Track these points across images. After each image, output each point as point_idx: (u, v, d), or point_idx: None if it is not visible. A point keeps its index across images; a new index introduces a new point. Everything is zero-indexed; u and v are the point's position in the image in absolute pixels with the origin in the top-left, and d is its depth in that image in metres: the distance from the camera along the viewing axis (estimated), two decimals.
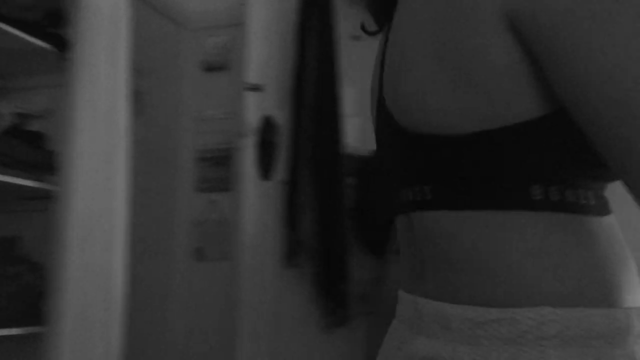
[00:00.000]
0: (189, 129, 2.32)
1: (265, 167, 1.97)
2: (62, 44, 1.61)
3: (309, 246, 1.92)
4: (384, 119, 0.55)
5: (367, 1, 0.64)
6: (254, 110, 1.98)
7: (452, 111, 0.47)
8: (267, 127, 1.97)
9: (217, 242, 2.22)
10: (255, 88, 1.97)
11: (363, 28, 0.67)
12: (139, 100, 1.93)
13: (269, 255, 1.94)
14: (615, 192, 0.54)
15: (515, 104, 0.46)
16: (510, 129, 0.46)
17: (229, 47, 2.31)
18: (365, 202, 1.93)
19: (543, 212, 0.47)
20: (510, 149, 0.46)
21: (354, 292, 1.91)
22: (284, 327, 1.94)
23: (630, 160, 0.41)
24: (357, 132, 2.08)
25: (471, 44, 0.46)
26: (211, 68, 2.33)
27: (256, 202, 1.96)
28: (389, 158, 0.58)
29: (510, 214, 0.47)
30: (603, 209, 0.50)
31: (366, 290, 1.93)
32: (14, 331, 1.50)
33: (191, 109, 2.33)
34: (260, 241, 1.94)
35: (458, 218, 0.49)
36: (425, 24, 0.50)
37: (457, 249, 0.49)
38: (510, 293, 0.47)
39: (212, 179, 2.27)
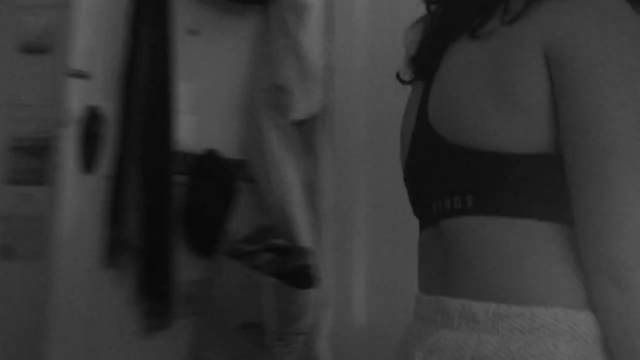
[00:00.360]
0: (1, 114, 2.10)
1: (88, 160, 1.84)
2: None
3: (131, 245, 1.83)
4: (425, 137, 0.65)
5: (415, 59, 0.77)
6: (77, 98, 1.84)
7: (499, 133, 0.56)
8: (92, 118, 1.85)
9: (29, 239, 2.04)
10: (80, 75, 1.83)
11: (398, 77, 0.83)
12: None
13: (87, 254, 1.82)
14: None
15: (550, 135, 0.55)
16: (546, 157, 0.55)
17: (52, 28, 2.12)
18: (195, 201, 1.88)
19: (566, 225, 0.55)
20: (546, 172, 0.55)
21: (179, 294, 1.86)
22: (102, 331, 1.83)
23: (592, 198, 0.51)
24: (190, 130, 2.03)
25: (516, 73, 0.55)
26: (30, 50, 2.13)
27: (75, 196, 1.82)
28: (427, 171, 0.67)
29: (540, 224, 0.56)
30: None
31: (192, 292, 1.89)
32: None
33: (4, 92, 2.11)
34: (78, 239, 1.81)
35: (493, 224, 0.57)
36: (478, 61, 0.59)
37: (488, 251, 0.58)
38: (531, 293, 0.56)
39: (26, 171, 2.08)
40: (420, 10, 0.92)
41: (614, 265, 0.51)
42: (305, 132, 1.91)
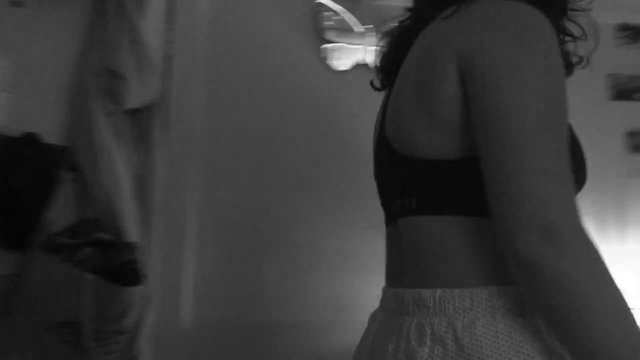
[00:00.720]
0: None
1: None
2: None
3: None
4: (383, 145, 0.75)
5: (382, 68, 0.85)
6: None
7: (428, 143, 0.67)
8: None
9: None
10: None
11: (372, 84, 0.90)
12: None
13: None
14: None
15: (468, 141, 0.63)
16: (470, 158, 0.63)
17: None
18: (5, 189, 1.71)
19: (489, 219, 0.62)
20: (469, 175, 0.63)
21: None
22: None
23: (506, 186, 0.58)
24: (4, 109, 1.83)
25: (435, 90, 0.65)
26: None
27: None
28: (386, 175, 0.78)
29: (471, 219, 0.65)
30: None
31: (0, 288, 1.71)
32: None
33: None
34: None
35: (433, 221, 0.67)
36: (410, 72, 0.70)
37: (430, 246, 0.67)
38: (468, 277, 0.65)
39: None
40: (261, 2, 0.91)
41: (545, 225, 0.56)
42: (139, 122, 1.81)
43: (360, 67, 2.10)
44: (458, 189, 0.66)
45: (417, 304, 0.67)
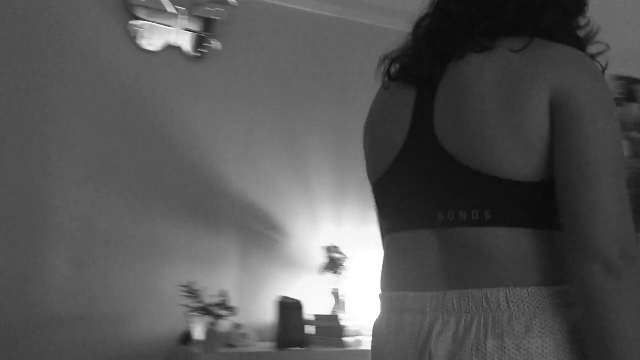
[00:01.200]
0: None
1: None
2: None
3: None
4: (434, 155, 0.78)
5: (409, 67, 0.83)
6: None
7: (509, 163, 0.73)
8: None
9: None
10: None
11: (389, 74, 0.86)
12: None
13: None
14: None
15: (548, 166, 0.73)
16: (545, 183, 0.73)
17: None
18: None
19: (552, 231, 0.74)
20: (544, 195, 0.73)
21: None
22: None
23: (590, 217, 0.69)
24: None
25: (525, 114, 0.73)
26: None
27: None
28: (436, 186, 0.79)
29: (536, 231, 0.74)
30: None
31: None
32: None
33: None
34: None
35: (507, 233, 0.75)
36: (489, 85, 0.75)
37: (505, 251, 0.75)
38: (535, 278, 0.74)
39: None
40: None
41: (610, 255, 0.68)
42: None
43: (171, 49, 2.03)
44: (534, 206, 0.75)
45: (488, 301, 0.75)
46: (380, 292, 0.87)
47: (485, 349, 0.72)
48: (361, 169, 0.93)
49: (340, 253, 2.06)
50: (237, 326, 1.79)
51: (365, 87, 1.11)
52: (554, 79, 0.73)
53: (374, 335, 0.85)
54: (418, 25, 0.86)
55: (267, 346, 1.82)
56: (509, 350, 0.72)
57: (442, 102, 0.79)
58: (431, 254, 0.80)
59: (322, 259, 2.06)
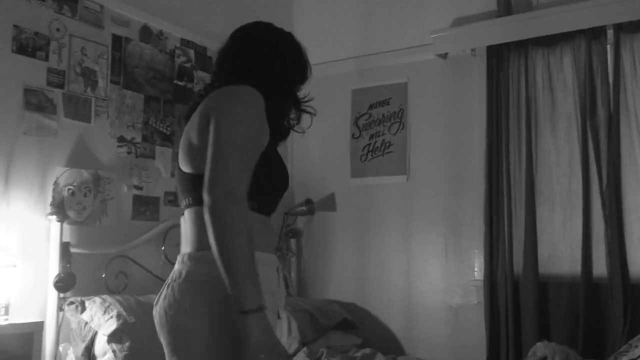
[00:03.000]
0: None
1: None
2: None
3: None
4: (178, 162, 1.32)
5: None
6: None
7: (190, 164, 1.25)
8: None
9: None
10: None
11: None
12: None
13: None
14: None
15: (202, 164, 1.19)
16: (200, 174, 1.19)
17: None
18: None
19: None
20: (202, 181, 1.17)
21: None
22: None
23: (210, 177, 1.15)
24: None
25: (195, 132, 1.25)
26: None
27: None
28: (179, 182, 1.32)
29: (200, 209, 1.18)
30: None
31: None
32: None
33: None
34: None
35: (193, 211, 1.25)
36: (194, 118, 1.26)
37: (192, 225, 1.26)
38: (202, 245, 1.20)
39: None
40: None
41: (216, 194, 1.11)
42: None
43: None
44: (199, 190, 1.17)
45: (181, 259, 1.26)
46: None
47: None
48: None
49: None
50: None
51: None
52: (208, 106, 1.24)
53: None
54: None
55: None
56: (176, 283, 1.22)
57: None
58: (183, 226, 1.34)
59: None
